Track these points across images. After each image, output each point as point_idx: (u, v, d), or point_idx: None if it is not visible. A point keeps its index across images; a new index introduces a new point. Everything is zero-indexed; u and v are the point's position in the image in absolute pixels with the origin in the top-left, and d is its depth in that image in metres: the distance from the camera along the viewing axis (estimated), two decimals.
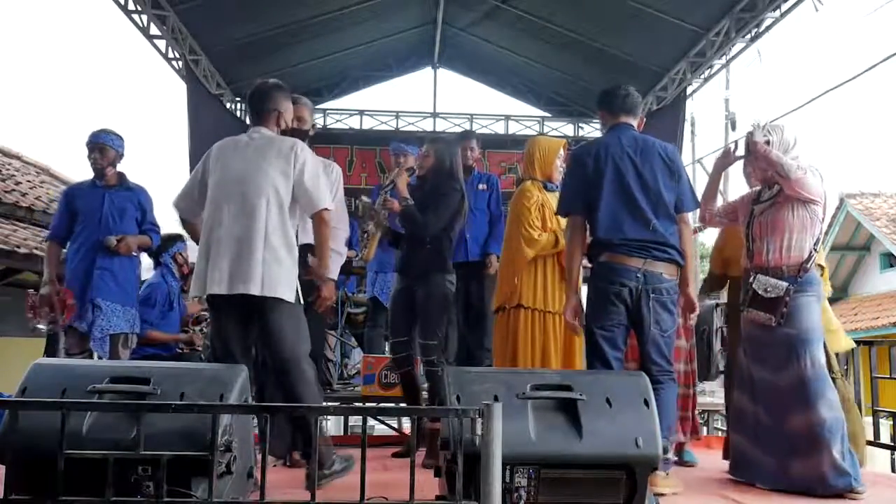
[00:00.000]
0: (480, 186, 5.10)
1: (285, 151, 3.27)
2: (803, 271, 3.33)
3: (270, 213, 3.18)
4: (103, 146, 4.41)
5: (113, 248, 4.29)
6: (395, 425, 5.51)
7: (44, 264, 4.48)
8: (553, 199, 3.92)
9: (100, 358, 4.24)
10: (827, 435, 3.20)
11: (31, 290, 4.55)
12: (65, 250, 4.50)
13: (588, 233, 3.37)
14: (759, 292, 3.37)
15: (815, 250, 3.36)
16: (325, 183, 3.41)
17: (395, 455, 4.20)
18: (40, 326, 4.35)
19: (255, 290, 3.10)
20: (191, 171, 10.11)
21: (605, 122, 3.49)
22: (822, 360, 3.31)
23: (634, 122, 3.44)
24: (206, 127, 9.34)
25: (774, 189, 3.45)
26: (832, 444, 3.19)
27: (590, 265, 3.43)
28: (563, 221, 3.80)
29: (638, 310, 3.19)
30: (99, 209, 4.34)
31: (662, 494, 3.02)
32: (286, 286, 3.17)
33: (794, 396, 3.29)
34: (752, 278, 3.40)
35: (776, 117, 9.65)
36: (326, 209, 3.28)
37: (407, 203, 3.94)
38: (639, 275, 3.17)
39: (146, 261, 5.53)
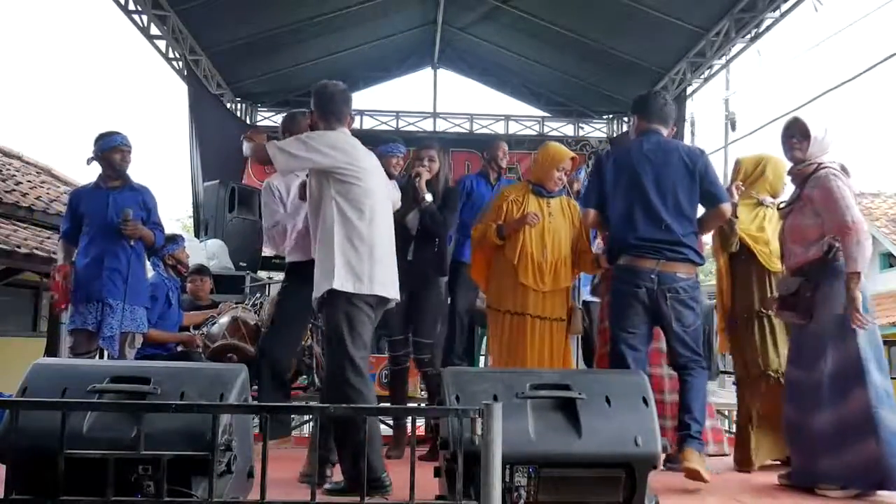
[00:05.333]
0: None
1: None
2: (823, 264, 3.27)
3: None
4: (131, 148, 4.46)
5: (123, 223, 4.29)
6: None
7: (59, 257, 4.52)
8: (539, 203, 3.93)
9: (110, 357, 4.25)
10: (851, 433, 3.12)
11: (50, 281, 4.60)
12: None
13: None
14: (782, 293, 3.43)
15: (832, 245, 3.26)
16: None
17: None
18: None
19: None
20: (191, 171, 10.12)
21: (636, 128, 3.57)
22: (851, 351, 3.17)
23: (665, 131, 3.53)
24: (207, 127, 9.35)
25: (794, 194, 3.46)
26: (854, 443, 3.11)
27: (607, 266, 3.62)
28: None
29: (658, 309, 3.33)
30: (104, 211, 4.35)
31: (696, 470, 3.14)
32: None
33: (820, 394, 3.23)
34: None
35: (778, 117, 9.64)
36: None
37: (430, 202, 4.00)
38: (653, 276, 3.31)
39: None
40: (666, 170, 3.37)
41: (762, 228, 3.80)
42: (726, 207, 3.45)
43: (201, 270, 5.89)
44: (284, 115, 3.91)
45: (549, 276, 3.84)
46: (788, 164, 3.56)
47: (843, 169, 3.38)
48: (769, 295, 3.71)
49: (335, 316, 2.99)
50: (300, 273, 3.79)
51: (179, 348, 5.14)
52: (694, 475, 3.15)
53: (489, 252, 3.98)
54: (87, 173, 4.60)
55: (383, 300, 3.12)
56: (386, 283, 3.09)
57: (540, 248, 3.84)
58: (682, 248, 3.34)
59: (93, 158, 4.44)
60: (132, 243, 4.37)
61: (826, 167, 3.32)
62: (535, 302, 3.82)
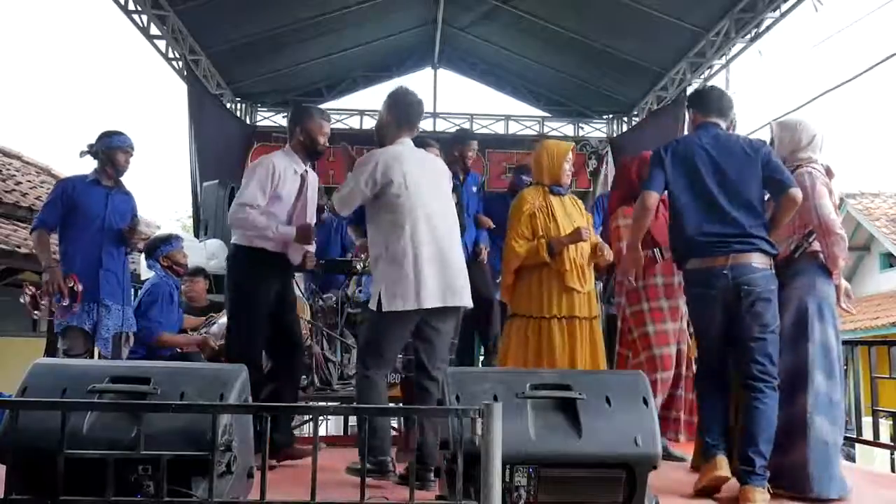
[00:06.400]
0: (474, 189, 5.10)
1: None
2: (789, 264, 3.29)
3: None
4: (134, 152, 4.46)
5: (128, 232, 4.34)
6: (395, 425, 5.51)
7: (40, 252, 4.33)
8: (559, 203, 3.94)
9: (104, 357, 4.24)
10: (783, 436, 3.16)
11: (27, 285, 4.46)
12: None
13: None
14: None
15: (800, 244, 3.30)
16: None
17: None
18: (44, 316, 4.27)
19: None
20: (191, 171, 10.09)
21: (693, 121, 3.47)
22: (801, 356, 3.22)
23: (724, 124, 3.44)
24: (207, 127, 9.34)
25: None
26: (785, 446, 3.15)
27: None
28: (563, 227, 3.84)
29: (735, 308, 3.12)
30: (103, 210, 4.32)
31: None
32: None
33: None
34: None
35: (778, 117, 9.67)
36: None
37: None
38: (725, 272, 3.11)
39: (144, 261, 5.54)
40: (727, 161, 3.23)
41: None
42: (796, 192, 3.17)
43: (195, 272, 5.81)
44: (295, 107, 3.86)
45: (588, 275, 3.89)
46: None
47: (828, 170, 3.41)
48: None
49: (373, 321, 3.29)
50: (266, 263, 3.72)
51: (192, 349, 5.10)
52: None
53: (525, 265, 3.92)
54: (84, 172, 4.52)
55: (439, 310, 3.26)
56: (438, 293, 3.23)
57: (576, 249, 3.88)
58: (752, 238, 3.15)
59: (88, 152, 4.39)
60: (129, 249, 4.44)
61: (806, 167, 3.35)
62: (580, 304, 3.85)
